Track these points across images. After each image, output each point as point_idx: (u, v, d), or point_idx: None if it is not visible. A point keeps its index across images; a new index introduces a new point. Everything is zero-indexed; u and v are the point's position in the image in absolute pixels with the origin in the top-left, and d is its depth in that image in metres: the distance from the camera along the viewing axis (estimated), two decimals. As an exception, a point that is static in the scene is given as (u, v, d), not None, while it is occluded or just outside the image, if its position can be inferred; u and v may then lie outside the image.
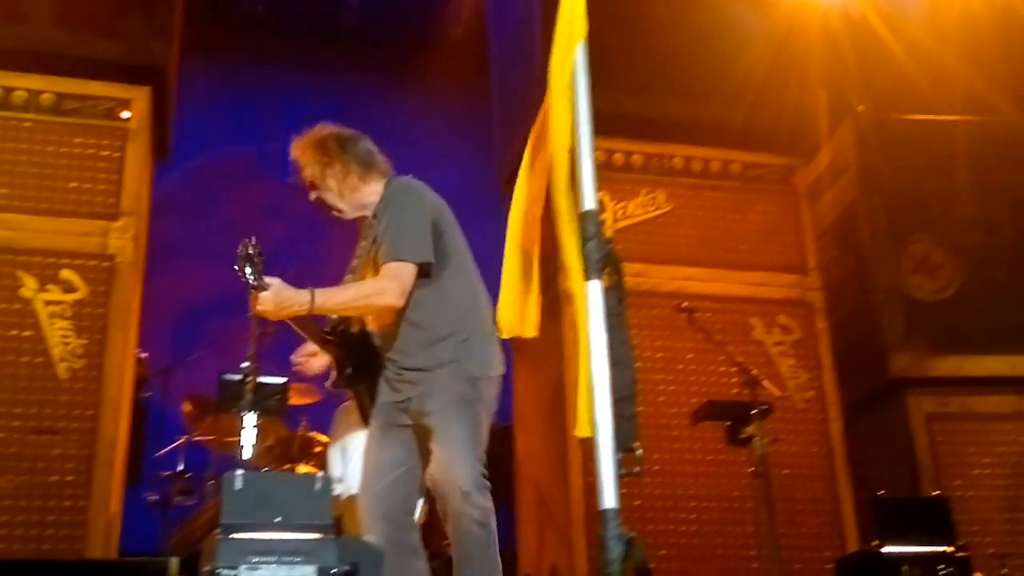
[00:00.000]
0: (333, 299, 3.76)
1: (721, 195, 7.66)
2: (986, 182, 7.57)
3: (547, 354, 7.04)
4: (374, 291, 3.70)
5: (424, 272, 3.75)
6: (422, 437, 3.79)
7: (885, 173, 7.59)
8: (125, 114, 6.47)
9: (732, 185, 7.71)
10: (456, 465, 3.63)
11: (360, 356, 3.94)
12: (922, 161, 7.58)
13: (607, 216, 7.17)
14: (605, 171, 7.24)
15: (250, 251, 3.60)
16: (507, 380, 7.52)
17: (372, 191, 3.98)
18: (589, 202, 3.73)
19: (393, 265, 3.68)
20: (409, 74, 9.64)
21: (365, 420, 3.99)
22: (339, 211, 4.07)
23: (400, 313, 3.75)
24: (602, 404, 3.69)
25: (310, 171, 4.08)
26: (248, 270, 3.56)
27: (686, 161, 7.71)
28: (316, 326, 3.93)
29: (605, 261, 3.74)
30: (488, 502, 3.70)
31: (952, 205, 7.53)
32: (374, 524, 3.91)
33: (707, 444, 6.57)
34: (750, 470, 5.32)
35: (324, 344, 3.95)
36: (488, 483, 3.73)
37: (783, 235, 7.64)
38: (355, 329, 3.99)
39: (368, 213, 3.97)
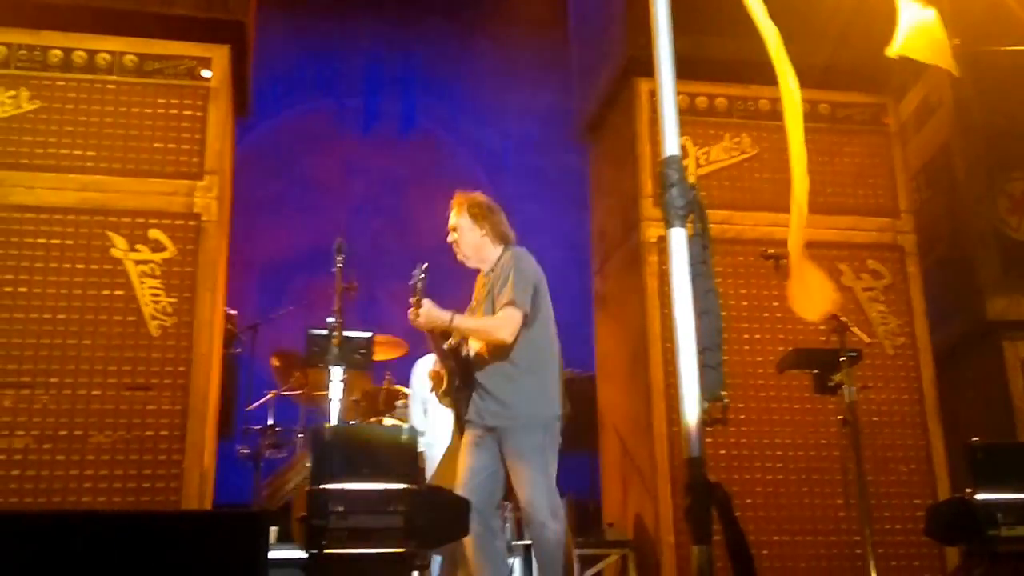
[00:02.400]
0: (465, 323, 4.99)
1: (808, 137, 7.24)
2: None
3: (629, 304, 7.01)
4: (494, 326, 4.88)
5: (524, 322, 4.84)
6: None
7: (980, 109, 7.36)
8: (206, 73, 6.50)
9: (820, 127, 7.49)
10: (536, 500, 4.62)
11: (464, 374, 4.95)
12: (1018, 95, 7.30)
13: (690, 162, 7.04)
14: (688, 115, 7.12)
15: (422, 273, 4.91)
16: (589, 331, 7.58)
17: (494, 252, 5.25)
18: (671, 148, 3.67)
19: (509, 310, 4.84)
20: (488, 25, 9.57)
21: (460, 430, 4.91)
22: (465, 256, 5.33)
23: (500, 347, 4.85)
24: (687, 352, 3.66)
25: (459, 220, 5.34)
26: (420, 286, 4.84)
27: (772, 103, 7.48)
28: (442, 341, 5.04)
29: (688, 208, 3.69)
30: (561, 524, 4.71)
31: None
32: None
33: (794, 392, 6.50)
34: (838, 418, 5.24)
35: (443, 358, 5.03)
36: (562, 508, 4.80)
37: (873, 177, 7.41)
38: (463, 352, 5.06)
39: (486, 267, 5.26)
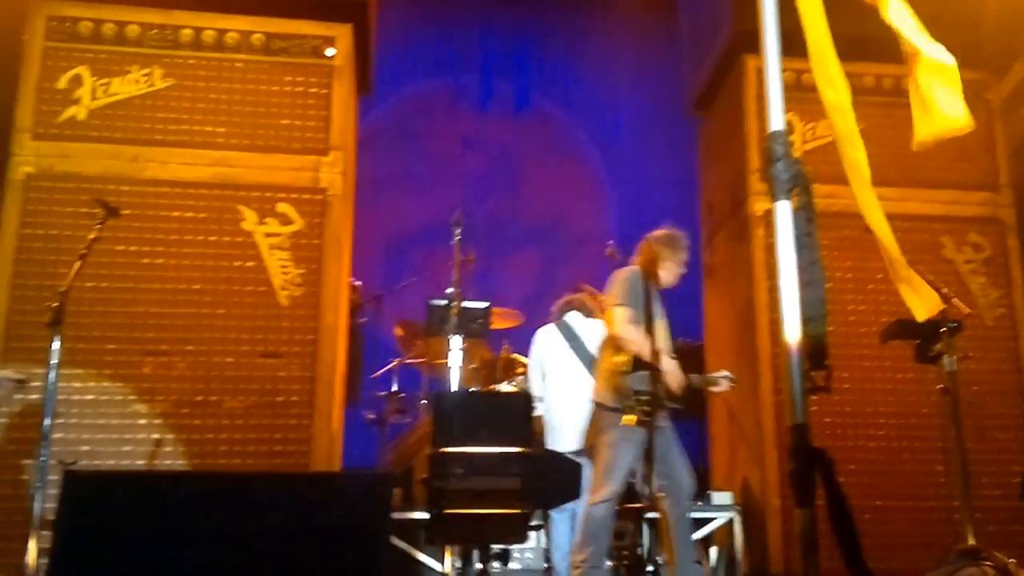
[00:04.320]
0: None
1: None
2: None
3: (737, 275, 6.96)
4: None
5: None
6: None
7: (1082, 84, 7.05)
8: (330, 51, 6.58)
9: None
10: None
11: None
12: (1121, 71, 6.99)
13: (796, 137, 6.93)
14: (795, 91, 6.86)
15: None
16: (698, 301, 7.53)
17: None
18: (776, 122, 3.63)
19: None
20: (599, 1, 9.47)
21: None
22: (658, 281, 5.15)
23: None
24: (792, 323, 3.64)
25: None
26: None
27: (877, 79, 7.35)
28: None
29: (794, 181, 3.66)
30: None
31: None
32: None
33: (896, 362, 6.39)
34: (939, 387, 5.13)
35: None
36: None
37: (975, 152, 7.20)
38: None
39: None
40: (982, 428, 6.44)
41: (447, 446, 3.52)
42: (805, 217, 3.83)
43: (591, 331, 5.33)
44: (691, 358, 6.92)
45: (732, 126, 7.15)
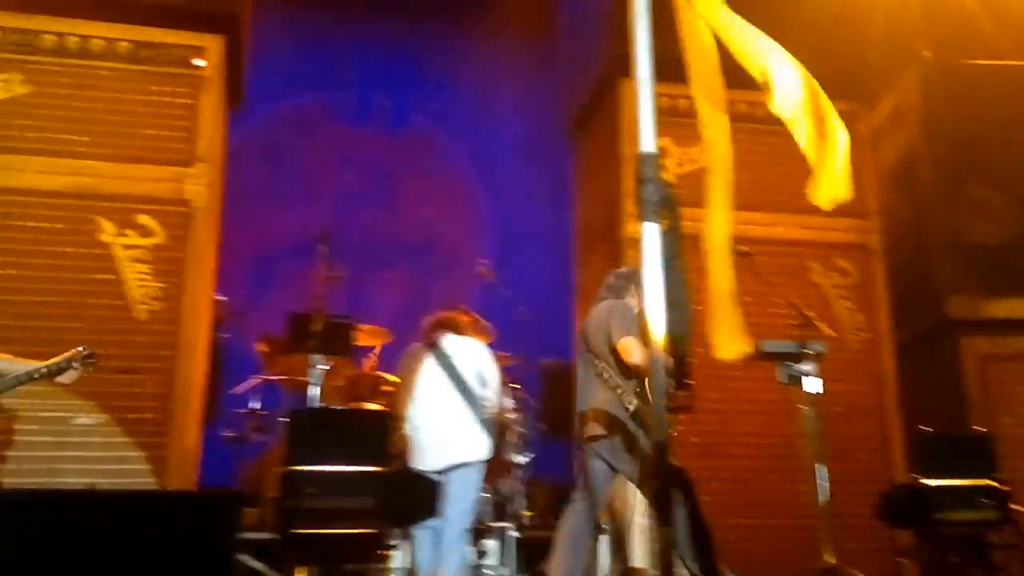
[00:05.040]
0: None
1: (782, 140, 7.30)
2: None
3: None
4: None
5: None
6: None
7: (947, 118, 7.34)
8: (198, 62, 6.40)
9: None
10: None
11: None
12: (984, 106, 7.30)
13: (671, 161, 7.03)
14: (670, 116, 7.09)
15: None
16: (570, 321, 7.54)
17: None
18: (647, 145, 3.64)
19: None
20: (480, 24, 9.44)
21: None
22: None
23: None
24: (656, 343, 3.63)
25: None
26: None
27: (749, 107, 7.49)
28: None
29: (662, 204, 3.66)
30: None
31: (1012, 149, 7.24)
32: None
33: (762, 383, 6.43)
34: (802, 408, 5.21)
35: None
36: None
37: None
38: None
39: None
40: (844, 448, 6.55)
41: (300, 464, 3.39)
42: (672, 239, 3.85)
43: (462, 350, 5.26)
44: (559, 378, 6.91)
45: (607, 149, 7.19)
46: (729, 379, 6.63)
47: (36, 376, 4.40)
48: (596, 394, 4.96)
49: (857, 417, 6.82)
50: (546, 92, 8.62)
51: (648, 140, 3.60)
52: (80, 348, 4.48)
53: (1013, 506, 4.78)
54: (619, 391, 4.79)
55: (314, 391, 5.18)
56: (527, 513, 6.15)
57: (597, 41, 7.45)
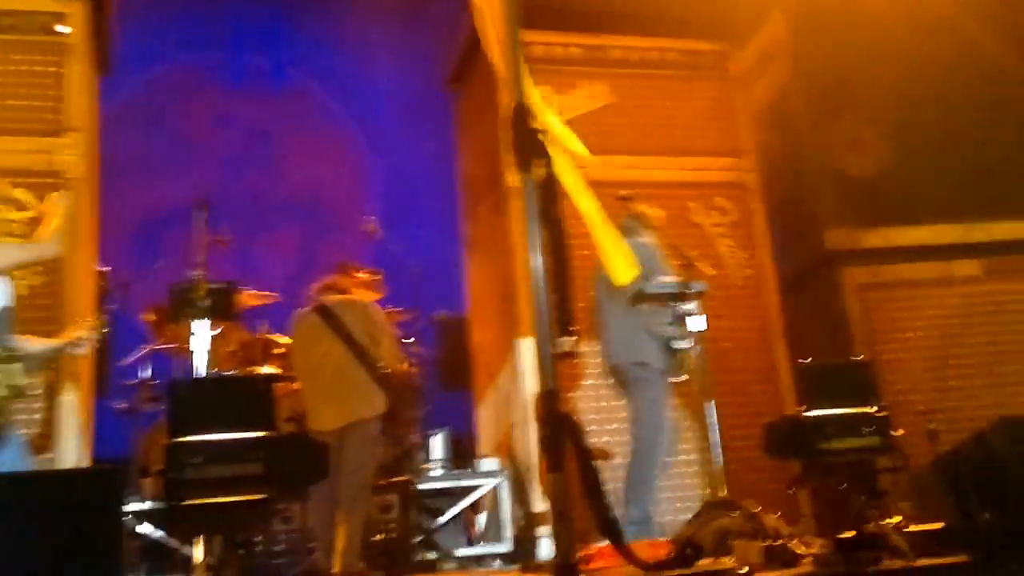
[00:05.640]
0: None
1: (659, 84, 7.48)
2: (912, 59, 7.42)
3: (497, 249, 6.95)
4: None
5: None
6: None
7: (816, 55, 7.45)
8: (62, 28, 6.11)
9: (669, 74, 7.52)
10: None
11: None
12: (851, 41, 7.42)
13: (553, 109, 7.00)
14: (547, 64, 7.08)
15: None
16: (460, 273, 7.51)
17: None
18: (519, 95, 3.60)
19: None
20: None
21: None
22: None
23: None
24: (540, 292, 3.62)
25: None
26: None
27: (625, 52, 7.51)
28: None
29: (536, 152, 3.63)
30: None
31: (880, 82, 7.40)
32: None
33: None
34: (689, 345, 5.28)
35: None
36: None
37: (718, 120, 7.49)
38: None
39: None
40: (735, 383, 6.69)
41: (183, 435, 3.31)
42: (550, 187, 3.82)
43: (350, 310, 5.20)
44: (452, 331, 6.90)
45: (486, 99, 7.11)
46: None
47: (60, 352, 4.31)
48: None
49: (744, 351, 6.92)
50: (424, 44, 8.44)
51: (520, 90, 3.57)
52: (90, 319, 4.36)
53: (894, 431, 4.93)
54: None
55: (200, 359, 5.05)
56: (427, 465, 6.16)
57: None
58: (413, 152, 8.25)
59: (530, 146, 3.66)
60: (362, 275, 5.46)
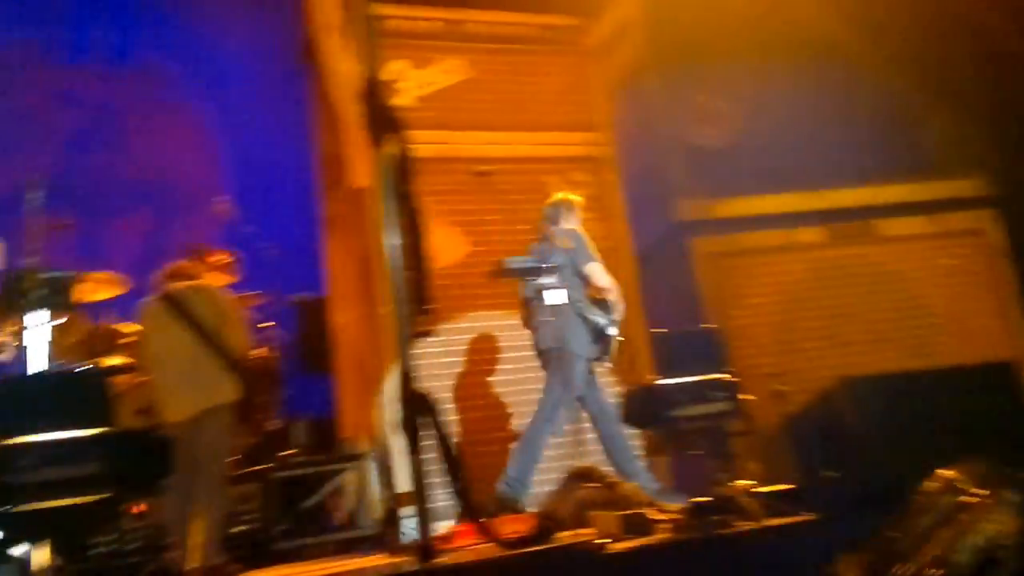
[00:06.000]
0: None
1: (517, 59, 7.46)
2: (763, 32, 7.58)
3: (357, 227, 6.81)
4: None
5: None
6: None
7: (668, 28, 7.52)
8: None
9: (526, 48, 7.51)
10: None
11: None
12: (702, 15, 7.52)
13: (410, 84, 6.90)
14: (406, 38, 6.99)
15: None
16: (320, 254, 7.33)
17: None
18: (370, 70, 3.49)
19: None
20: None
21: None
22: None
23: None
24: (395, 270, 3.54)
25: None
26: None
27: (482, 26, 7.46)
28: None
29: (389, 128, 3.54)
30: None
31: (731, 56, 7.54)
32: None
33: (513, 299, 6.54)
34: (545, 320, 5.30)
35: None
36: None
37: (574, 95, 7.51)
38: None
39: None
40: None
41: (12, 437, 3.08)
42: (403, 163, 3.73)
43: (197, 296, 4.98)
44: (312, 313, 6.73)
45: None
46: (484, 296, 6.66)
47: None
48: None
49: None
50: (276, 16, 8.11)
51: (371, 64, 3.47)
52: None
53: (742, 396, 5.05)
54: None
55: (36, 354, 4.74)
56: (288, 452, 5.98)
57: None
58: (269, 130, 7.94)
59: (383, 122, 3.56)
60: (213, 259, 5.25)
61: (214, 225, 6.40)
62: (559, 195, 5.93)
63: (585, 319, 5.42)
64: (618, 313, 5.51)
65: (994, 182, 7.85)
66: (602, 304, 5.53)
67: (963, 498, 2.56)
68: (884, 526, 2.61)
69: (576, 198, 5.95)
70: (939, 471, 2.71)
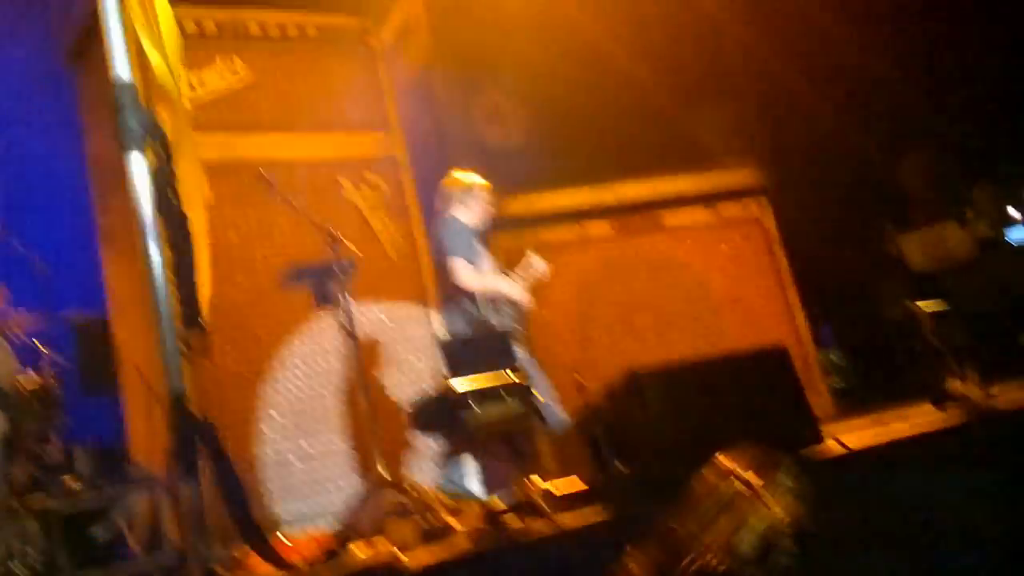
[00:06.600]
0: None
1: (300, 59, 7.23)
2: (543, 31, 7.66)
3: (133, 240, 6.39)
4: None
5: None
6: None
7: (454, 30, 7.51)
8: None
9: (310, 48, 7.29)
10: None
11: None
12: (488, 17, 7.55)
13: (183, 86, 6.53)
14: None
15: None
16: (98, 267, 6.87)
17: None
18: (121, 71, 3.27)
19: None
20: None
21: None
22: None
23: None
24: (160, 286, 3.32)
25: None
26: None
27: (261, 26, 7.18)
28: None
29: (147, 132, 3.30)
30: None
31: (514, 57, 7.59)
32: None
33: (307, 307, 6.31)
34: (338, 327, 5.13)
35: None
36: None
37: (364, 95, 7.36)
38: None
39: None
40: (395, 361, 6.69)
41: None
42: (165, 171, 3.49)
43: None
44: (92, 332, 6.29)
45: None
46: (275, 305, 6.41)
47: None
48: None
49: (403, 326, 6.90)
50: (38, 16, 7.52)
51: (121, 66, 3.24)
52: None
53: (535, 394, 5.05)
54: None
55: None
56: (71, 482, 5.54)
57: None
58: (34, 136, 7.36)
59: (140, 128, 3.33)
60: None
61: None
62: (454, 176, 5.80)
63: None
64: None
65: (765, 172, 8.27)
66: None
67: (738, 485, 2.59)
68: (665, 518, 2.61)
69: (476, 181, 5.79)
70: (716, 459, 2.73)
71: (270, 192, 5.40)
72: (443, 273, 5.46)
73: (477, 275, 5.41)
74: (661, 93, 7.85)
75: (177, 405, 3.21)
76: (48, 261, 6.02)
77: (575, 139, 7.39)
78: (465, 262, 5.35)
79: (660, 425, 3.57)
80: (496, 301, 5.44)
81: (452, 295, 5.42)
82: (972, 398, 4.84)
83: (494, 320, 5.33)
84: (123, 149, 3.14)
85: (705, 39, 8.16)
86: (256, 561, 3.67)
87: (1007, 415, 4.41)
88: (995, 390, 4.98)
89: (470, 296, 5.36)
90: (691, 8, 7.96)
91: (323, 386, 6.49)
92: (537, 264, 5.70)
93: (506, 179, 7.16)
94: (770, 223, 8.26)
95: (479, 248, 5.60)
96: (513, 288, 5.53)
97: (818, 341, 8.13)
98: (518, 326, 5.46)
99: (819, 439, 3.97)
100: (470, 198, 5.68)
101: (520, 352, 5.15)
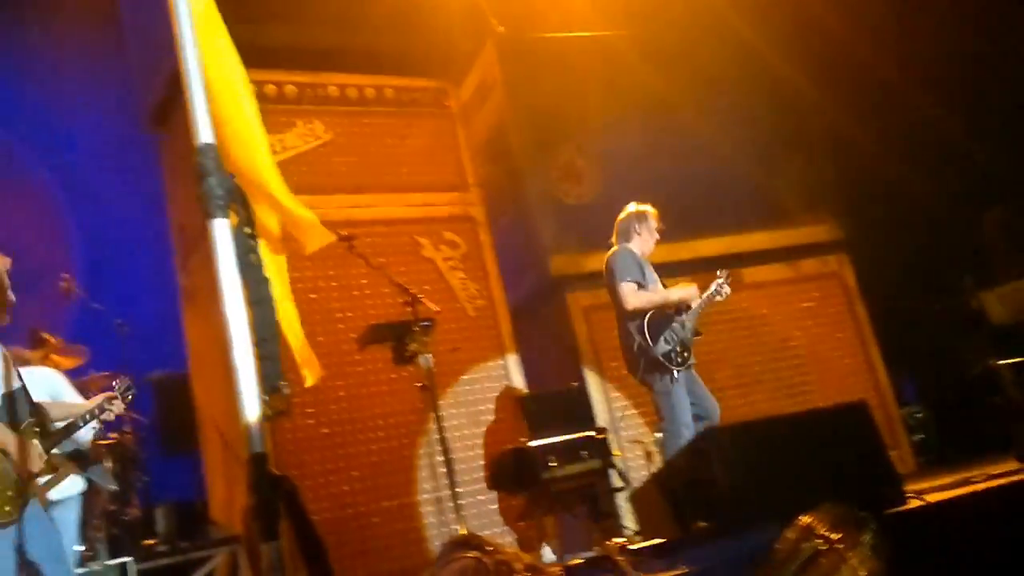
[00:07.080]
0: None
1: (379, 121, 7.38)
2: (617, 90, 7.71)
3: (215, 298, 6.53)
4: None
5: None
6: None
7: (529, 89, 7.59)
8: None
9: (388, 110, 7.43)
10: None
11: None
12: (559, 75, 7.62)
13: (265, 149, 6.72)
14: (262, 103, 6.76)
15: None
16: (179, 328, 7.03)
17: None
18: (205, 136, 3.35)
19: None
20: (30, 8, 8.25)
21: None
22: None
23: None
24: (241, 347, 3.36)
25: None
26: None
27: (340, 89, 7.35)
28: None
29: (230, 197, 3.37)
30: None
31: (588, 114, 7.64)
32: None
33: (387, 365, 6.36)
34: (418, 384, 5.15)
35: None
36: None
37: (441, 155, 7.47)
38: None
39: None
40: (476, 414, 6.68)
41: None
42: (246, 233, 3.56)
43: (32, 382, 4.65)
44: (173, 391, 6.43)
45: (193, 141, 6.72)
46: (354, 363, 6.47)
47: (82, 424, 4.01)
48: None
49: (484, 382, 6.91)
50: (120, 83, 7.75)
51: (204, 130, 3.32)
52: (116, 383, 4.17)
53: (612, 452, 4.99)
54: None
55: None
56: (150, 541, 5.63)
57: (170, 30, 6.90)
58: (118, 201, 7.59)
59: (224, 192, 3.40)
60: (54, 341, 4.94)
61: (59, 304, 6.04)
62: (631, 207, 5.80)
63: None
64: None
65: (843, 226, 8.15)
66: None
67: (820, 544, 2.52)
68: (750, 578, 2.54)
69: (648, 208, 5.78)
70: (798, 518, 2.66)
71: (350, 252, 5.48)
72: (615, 300, 5.44)
73: (644, 294, 5.37)
74: (738, 150, 7.82)
75: (257, 463, 3.22)
76: (130, 322, 6.18)
77: (651, 196, 7.37)
78: (634, 285, 5.35)
79: (740, 482, 3.48)
80: (669, 319, 5.41)
81: (623, 322, 5.40)
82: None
83: (667, 346, 5.27)
84: (207, 216, 3.20)
85: (781, 97, 8.13)
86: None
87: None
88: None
89: (639, 326, 5.32)
90: (766, 68, 7.95)
91: (402, 444, 6.49)
92: (722, 288, 5.65)
93: (583, 235, 7.18)
94: (850, 278, 8.12)
95: (649, 273, 5.59)
96: (682, 291, 5.53)
97: (900, 397, 7.94)
98: (693, 335, 5.43)
99: (903, 499, 3.83)
100: (644, 224, 5.69)
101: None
